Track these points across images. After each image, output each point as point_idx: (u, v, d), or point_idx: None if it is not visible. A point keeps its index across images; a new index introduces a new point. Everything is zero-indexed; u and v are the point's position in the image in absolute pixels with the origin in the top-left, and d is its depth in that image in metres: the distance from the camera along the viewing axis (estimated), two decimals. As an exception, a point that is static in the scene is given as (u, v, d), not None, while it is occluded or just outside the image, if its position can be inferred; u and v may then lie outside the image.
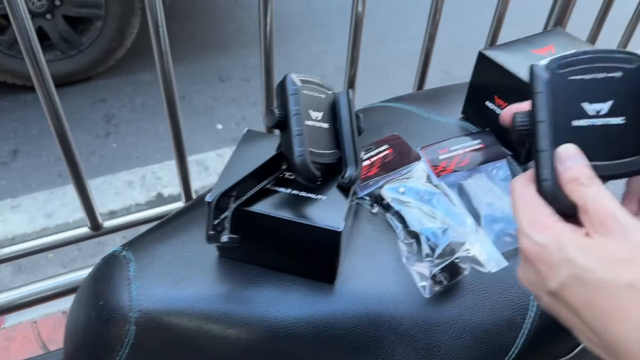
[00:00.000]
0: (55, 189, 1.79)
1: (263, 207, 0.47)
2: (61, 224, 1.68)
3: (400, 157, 0.62)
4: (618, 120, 0.38)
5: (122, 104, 2.09)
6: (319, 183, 0.49)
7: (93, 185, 1.82)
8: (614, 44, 1.40)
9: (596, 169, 0.37)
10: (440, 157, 0.60)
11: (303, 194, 0.49)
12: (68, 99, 2.09)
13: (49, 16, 1.93)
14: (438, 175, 0.59)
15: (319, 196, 0.48)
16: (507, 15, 1.14)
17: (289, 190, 0.49)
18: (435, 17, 1.08)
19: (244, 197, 0.47)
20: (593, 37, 1.32)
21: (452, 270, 0.50)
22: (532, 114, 0.39)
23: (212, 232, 0.44)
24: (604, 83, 0.38)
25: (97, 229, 1.01)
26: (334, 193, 0.49)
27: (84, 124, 2.00)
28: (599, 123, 0.38)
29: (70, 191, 1.74)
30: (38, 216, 1.70)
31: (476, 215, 0.55)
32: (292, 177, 0.50)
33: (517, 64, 0.60)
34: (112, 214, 1.68)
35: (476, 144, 0.61)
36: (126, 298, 0.50)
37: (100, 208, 1.80)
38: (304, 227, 0.46)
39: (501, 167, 0.59)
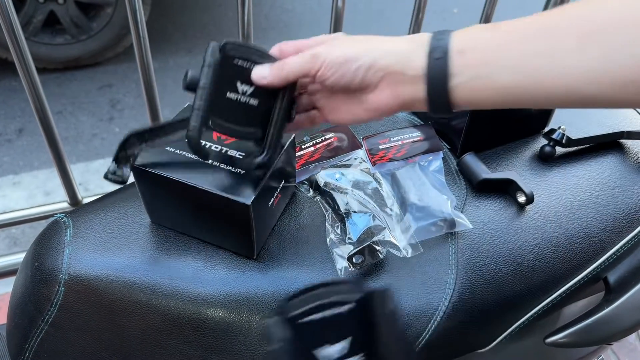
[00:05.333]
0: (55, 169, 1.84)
1: (176, 173, 0.50)
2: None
3: (343, 145, 0.64)
4: (255, 102, 0.49)
5: (128, 90, 2.13)
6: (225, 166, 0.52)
7: (92, 167, 1.87)
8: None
9: (227, 128, 0.48)
10: (380, 147, 0.62)
11: (223, 166, 0.51)
12: (76, 82, 2.15)
13: (61, 0, 1.99)
14: (374, 163, 0.60)
15: (239, 170, 0.50)
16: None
17: (210, 161, 0.51)
18: (418, 16, 1.09)
19: (156, 140, 0.50)
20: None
21: (369, 253, 0.52)
22: (199, 78, 0.46)
23: (111, 166, 0.49)
24: (249, 73, 0.48)
25: (75, 205, 1.05)
26: (255, 171, 0.51)
27: (89, 107, 2.05)
28: (243, 100, 0.48)
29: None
30: (37, 193, 1.76)
31: (403, 204, 0.56)
32: (217, 148, 0.53)
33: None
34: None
35: (416, 136, 0.62)
36: (59, 261, 0.53)
37: (97, 190, 1.85)
38: (213, 196, 0.48)
39: (435, 159, 0.60)
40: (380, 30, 2.61)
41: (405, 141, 0.62)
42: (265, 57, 0.48)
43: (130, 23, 0.85)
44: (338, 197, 0.57)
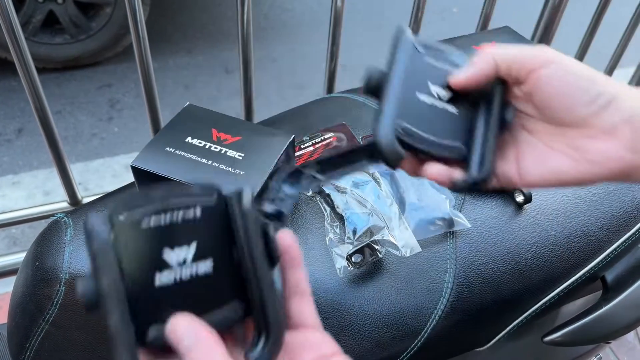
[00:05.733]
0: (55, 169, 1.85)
1: (175, 173, 0.50)
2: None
3: (342, 145, 0.64)
4: (453, 111, 0.39)
5: (127, 89, 2.13)
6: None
7: (92, 167, 1.87)
8: (608, 52, 1.39)
9: (421, 139, 0.37)
10: (379, 147, 0.62)
11: (222, 166, 0.51)
12: (75, 82, 2.15)
13: (60, 0, 1.99)
14: (373, 163, 0.60)
15: (238, 171, 0.51)
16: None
17: (210, 162, 0.52)
18: (417, 15, 1.09)
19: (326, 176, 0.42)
20: (585, 45, 1.32)
21: (368, 253, 0.52)
22: (390, 66, 0.37)
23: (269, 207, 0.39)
24: (444, 75, 0.39)
25: (75, 205, 1.05)
26: (254, 171, 0.51)
27: (88, 107, 2.05)
28: (438, 105, 0.38)
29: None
30: (37, 193, 1.76)
31: (402, 203, 0.57)
32: (218, 149, 0.53)
33: (455, 59, 0.61)
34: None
35: (415, 135, 0.63)
36: (59, 260, 0.53)
37: (97, 189, 1.85)
38: None
39: (434, 159, 0.60)
40: (380, 30, 2.61)
41: (404, 141, 0.62)
42: (462, 58, 0.39)
43: (129, 23, 0.85)
44: (337, 196, 0.57)
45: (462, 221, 0.55)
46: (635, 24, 1.29)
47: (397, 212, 0.56)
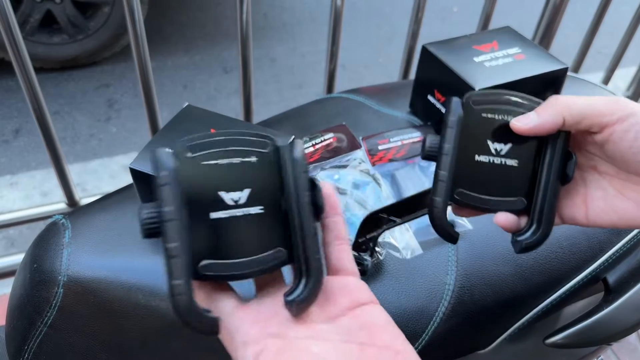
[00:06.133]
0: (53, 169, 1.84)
1: None
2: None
3: (343, 146, 0.64)
4: (513, 163, 0.40)
5: (125, 90, 2.13)
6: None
7: (90, 168, 1.86)
8: (608, 52, 1.39)
9: (478, 200, 0.39)
10: (380, 148, 0.62)
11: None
12: (73, 82, 2.14)
13: (58, 0, 1.98)
14: (374, 164, 0.60)
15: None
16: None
17: None
18: (417, 15, 1.09)
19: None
20: (585, 45, 1.32)
21: (369, 255, 0.52)
22: (440, 143, 0.39)
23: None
24: (503, 127, 0.39)
25: (73, 206, 1.05)
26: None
27: (86, 107, 2.04)
28: (497, 162, 0.40)
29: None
30: (34, 194, 1.75)
31: (403, 205, 0.56)
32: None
33: (456, 58, 0.61)
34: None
35: (415, 136, 0.62)
36: (57, 262, 0.53)
37: (95, 190, 1.84)
38: None
39: (435, 160, 0.60)
40: (380, 29, 2.60)
41: (405, 142, 0.62)
42: (521, 105, 0.39)
43: (127, 22, 0.85)
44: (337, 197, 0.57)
45: (464, 223, 0.55)
46: (636, 24, 1.29)
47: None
